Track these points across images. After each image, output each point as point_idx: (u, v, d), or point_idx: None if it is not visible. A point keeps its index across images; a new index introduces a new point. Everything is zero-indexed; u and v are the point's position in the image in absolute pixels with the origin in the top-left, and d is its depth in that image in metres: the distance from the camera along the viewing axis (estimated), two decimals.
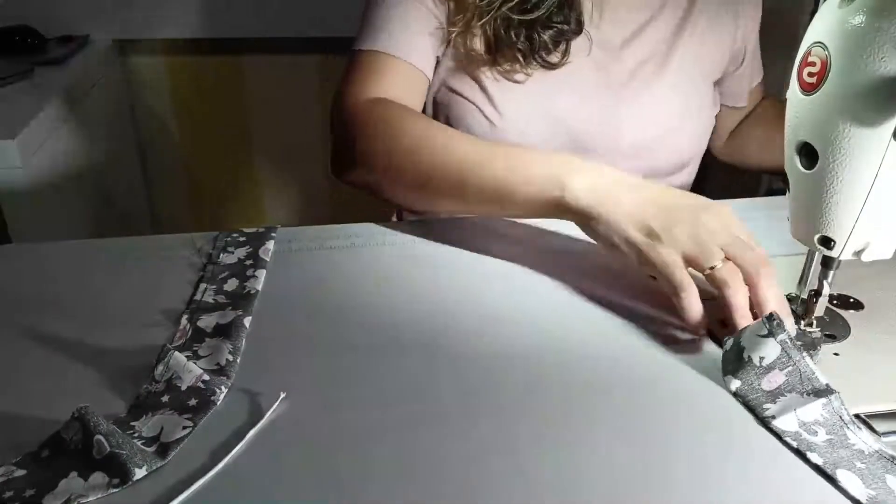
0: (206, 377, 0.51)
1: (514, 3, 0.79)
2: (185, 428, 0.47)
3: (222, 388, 0.51)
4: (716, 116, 0.97)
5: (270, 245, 0.71)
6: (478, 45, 0.84)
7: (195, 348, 0.56)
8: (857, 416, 0.50)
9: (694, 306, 0.56)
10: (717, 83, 0.97)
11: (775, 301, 0.55)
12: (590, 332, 0.60)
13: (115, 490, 0.42)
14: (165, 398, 0.50)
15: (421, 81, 0.83)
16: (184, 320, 0.59)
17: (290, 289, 0.65)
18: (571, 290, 0.65)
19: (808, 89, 0.50)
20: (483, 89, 0.84)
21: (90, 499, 0.41)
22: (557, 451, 0.47)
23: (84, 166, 1.32)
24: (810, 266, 0.57)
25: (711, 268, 0.55)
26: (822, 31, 0.48)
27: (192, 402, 0.49)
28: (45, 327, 0.59)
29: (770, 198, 0.86)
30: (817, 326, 0.59)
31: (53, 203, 1.15)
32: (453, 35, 0.83)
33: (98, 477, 0.42)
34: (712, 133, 0.98)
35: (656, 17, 0.89)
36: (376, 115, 0.75)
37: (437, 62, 0.86)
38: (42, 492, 0.41)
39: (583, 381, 0.54)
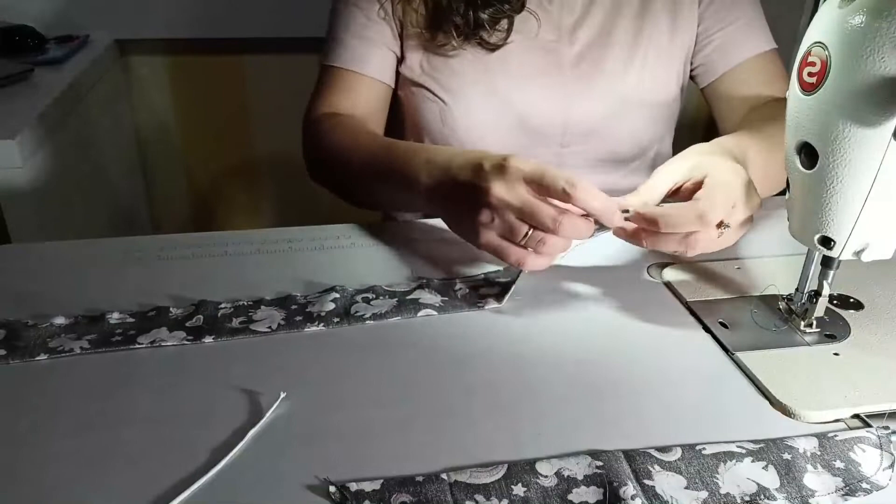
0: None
1: None
2: (269, 328, 0.59)
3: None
4: (717, 109, 0.92)
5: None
6: (420, 20, 0.85)
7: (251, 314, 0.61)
8: (856, 415, 0.50)
9: (528, 263, 0.61)
10: (696, 69, 0.92)
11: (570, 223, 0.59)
12: (587, 331, 0.60)
13: (187, 343, 0.57)
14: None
15: (378, 89, 0.89)
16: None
17: (289, 288, 0.65)
18: (570, 286, 0.66)
19: (808, 89, 0.50)
20: (429, 71, 0.87)
21: (168, 343, 0.57)
22: (557, 448, 0.47)
23: (84, 166, 1.32)
24: (810, 266, 0.57)
25: (524, 240, 0.60)
26: (822, 31, 0.48)
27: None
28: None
29: (769, 198, 0.86)
30: (817, 327, 0.59)
31: (53, 203, 1.15)
32: (395, 3, 0.85)
33: (179, 334, 0.58)
34: (722, 126, 0.93)
35: None
36: (321, 130, 0.85)
37: (398, 59, 0.89)
38: (139, 332, 0.58)
39: (580, 379, 0.54)
